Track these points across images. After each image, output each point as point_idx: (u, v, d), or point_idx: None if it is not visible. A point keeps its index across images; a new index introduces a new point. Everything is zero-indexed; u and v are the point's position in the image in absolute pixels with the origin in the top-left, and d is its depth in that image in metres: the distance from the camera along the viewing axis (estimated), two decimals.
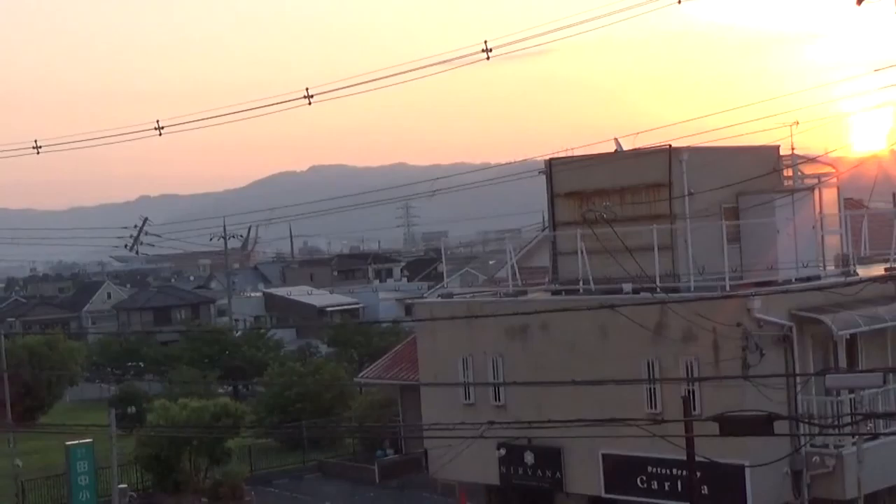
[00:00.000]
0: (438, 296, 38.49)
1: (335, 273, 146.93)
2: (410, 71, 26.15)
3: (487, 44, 23.05)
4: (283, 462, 55.35)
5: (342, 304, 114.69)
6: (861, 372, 27.32)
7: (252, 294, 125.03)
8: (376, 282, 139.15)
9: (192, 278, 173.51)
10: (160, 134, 26.90)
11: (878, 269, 32.57)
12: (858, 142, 27.32)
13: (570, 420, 23.26)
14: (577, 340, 31.21)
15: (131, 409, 65.44)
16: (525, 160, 38.43)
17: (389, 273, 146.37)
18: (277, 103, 26.22)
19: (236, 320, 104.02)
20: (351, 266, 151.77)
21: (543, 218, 38.41)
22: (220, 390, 73.16)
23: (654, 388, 29.93)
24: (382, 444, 52.61)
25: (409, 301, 50.41)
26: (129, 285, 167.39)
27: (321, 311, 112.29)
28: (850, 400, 28.62)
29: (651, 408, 29.85)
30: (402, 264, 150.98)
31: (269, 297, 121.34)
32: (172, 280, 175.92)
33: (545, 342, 32.10)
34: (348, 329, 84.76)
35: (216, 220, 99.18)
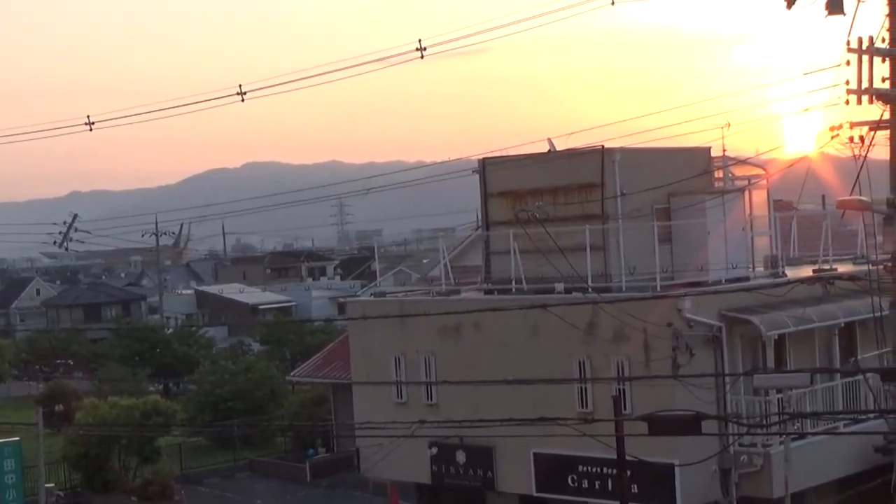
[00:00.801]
0: (371, 294, 38.45)
1: (268, 271, 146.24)
2: (345, 69, 26.12)
3: (421, 42, 23.04)
4: (213, 461, 55.05)
5: (275, 302, 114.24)
6: (789, 372, 27.64)
7: (184, 291, 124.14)
8: (309, 280, 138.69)
9: (123, 275, 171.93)
10: (91, 129, 26.63)
11: (806, 271, 32.96)
12: (789, 144, 27.65)
13: (501, 419, 23.33)
14: (509, 340, 31.30)
15: (59, 408, 64.74)
16: (460, 159, 38.45)
17: (323, 271, 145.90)
18: (210, 100, 26.07)
19: (167, 318, 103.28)
20: (284, 264, 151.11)
21: (477, 217, 38.42)
22: (151, 388, 72.60)
23: (586, 388, 30.07)
24: (314, 442, 52.45)
25: (342, 299, 50.38)
26: (58, 282, 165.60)
27: (253, 308, 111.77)
28: (778, 400, 28.93)
29: (582, 407, 29.99)
30: (336, 262, 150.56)
31: (200, 295, 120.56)
32: (103, 277, 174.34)
33: (478, 341, 32.16)
34: (280, 327, 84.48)
35: (148, 216, 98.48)
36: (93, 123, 26.54)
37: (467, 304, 32.52)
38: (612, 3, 20.95)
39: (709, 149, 33.24)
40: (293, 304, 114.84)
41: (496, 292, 32.83)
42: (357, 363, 35.88)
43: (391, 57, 25.13)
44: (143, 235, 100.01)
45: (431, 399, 33.34)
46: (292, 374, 54.45)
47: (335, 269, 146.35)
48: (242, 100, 24.69)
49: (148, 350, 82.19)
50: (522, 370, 30.03)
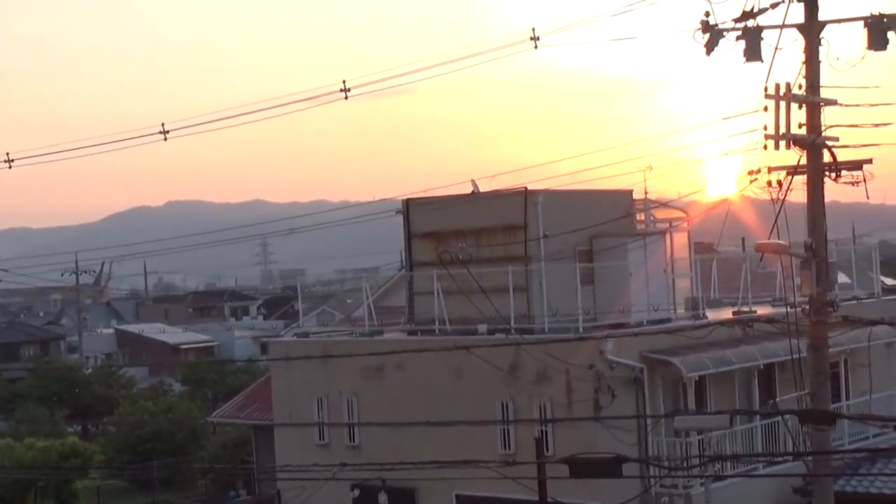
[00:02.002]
0: (294, 335, 38.25)
1: (190, 310, 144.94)
2: (269, 108, 26.00)
3: (346, 83, 23.04)
4: (133, 503, 54.22)
5: (196, 342, 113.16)
6: (709, 414, 27.81)
7: (104, 331, 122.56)
8: (232, 319, 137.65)
9: (42, 314, 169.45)
10: (10, 166, 26.27)
11: (727, 313, 33.29)
12: (710, 187, 27.96)
13: (424, 461, 23.22)
14: (432, 381, 31.26)
15: None
16: (384, 199, 38.43)
17: (246, 311, 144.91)
18: (133, 138, 25.84)
19: (87, 357, 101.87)
20: (207, 303, 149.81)
21: (401, 258, 38.45)
22: (69, 429, 71.46)
23: (508, 429, 30.09)
24: (235, 484, 51.83)
25: (265, 339, 50.00)
26: None
27: (175, 348, 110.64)
28: (699, 441, 29.12)
29: (505, 448, 29.99)
30: (259, 302, 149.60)
31: (121, 334, 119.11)
32: (21, 315, 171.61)
33: (401, 382, 32.08)
34: (202, 367, 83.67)
35: (69, 254, 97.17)
36: (12, 160, 26.19)
37: (390, 345, 32.44)
38: (536, 47, 21.11)
39: (631, 191, 33.57)
40: (215, 343, 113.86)
41: (419, 333, 32.80)
42: (279, 404, 35.64)
43: (316, 97, 25.09)
44: (62, 274, 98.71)
45: (354, 440, 33.17)
46: (213, 414, 53.88)
47: (258, 308, 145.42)
48: (165, 138, 24.50)
49: (66, 390, 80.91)
50: (445, 411, 29.97)
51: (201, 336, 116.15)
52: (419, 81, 24.12)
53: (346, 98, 23.23)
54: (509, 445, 30.06)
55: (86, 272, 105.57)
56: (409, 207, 33.87)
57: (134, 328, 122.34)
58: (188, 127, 25.37)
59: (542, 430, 28.72)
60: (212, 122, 25.74)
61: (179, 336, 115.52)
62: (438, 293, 31.57)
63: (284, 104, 25.69)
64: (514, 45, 21.63)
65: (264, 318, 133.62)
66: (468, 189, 33.34)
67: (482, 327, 30.54)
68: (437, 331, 31.81)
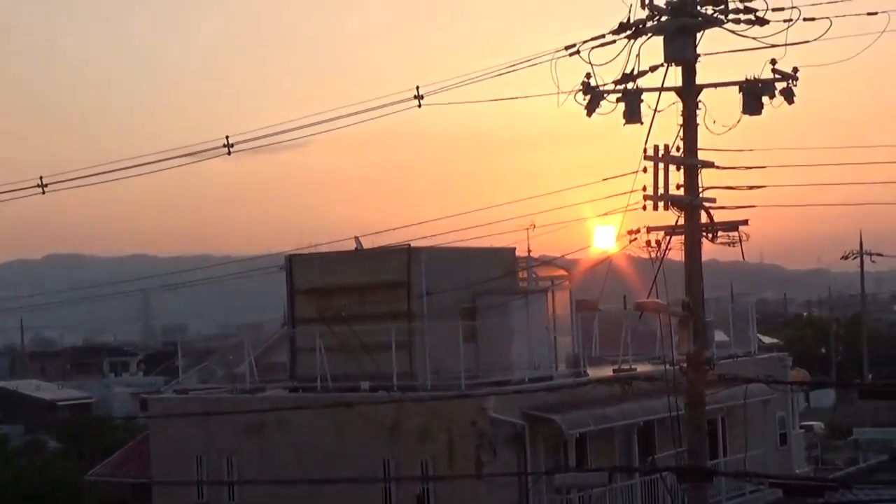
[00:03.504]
0: (174, 391, 37.72)
1: (68, 366, 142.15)
2: (151, 163, 25.71)
3: (229, 139, 22.90)
4: None
5: (73, 399, 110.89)
6: (589, 470, 28.00)
7: None
8: (111, 375, 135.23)
9: None
10: None
11: (607, 370, 33.59)
12: (593, 245, 28.29)
13: None
14: (314, 438, 31.02)
15: None
16: (268, 254, 38.21)
17: (126, 367, 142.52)
18: (10, 191, 25.36)
19: None
20: (85, 359, 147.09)
21: (284, 314, 38.18)
22: None
23: (390, 487, 29.94)
24: None
25: (144, 396, 49.17)
26: None
27: (51, 405, 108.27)
28: (579, 498, 29.25)
29: None
30: (139, 358, 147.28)
31: None
32: None
33: (282, 440, 31.77)
34: (79, 424, 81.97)
35: None
36: None
37: (271, 402, 32.15)
38: (419, 106, 21.20)
39: (514, 249, 33.80)
40: (93, 400, 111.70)
41: (301, 390, 32.57)
42: (158, 462, 35.04)
43: (199, 152, 24.90)
44: None
45: (233, 499, 32.71)
46: (90, 473, 52.81)
47: (138, 364, 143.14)
48: (43, 192, 24.09)
49: None
50: (327, 469, 29.75)
51: (78, 392, 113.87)
52: (305, 137, 24.03)
53: (230, 154, 23.09)
54: (391, 503, 29.88)
55: None
56: (293, 263, 33.72)
57: (8, 385, 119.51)
58: (68, 181, 24.98)
59: (424, 488, 28.63)
60: (92, 175, 25.37)
61: (56, 392, 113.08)
62: (321, 350, 31.41)
63: (168, 158, 25.44)
64: (399, 104, 21.69)
65: (144, 375, 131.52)
66: (352, 245, 33.32)
67: (365, 384, 30.44)
68: (319, 388, 31.61)
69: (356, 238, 33.18)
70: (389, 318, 31.09)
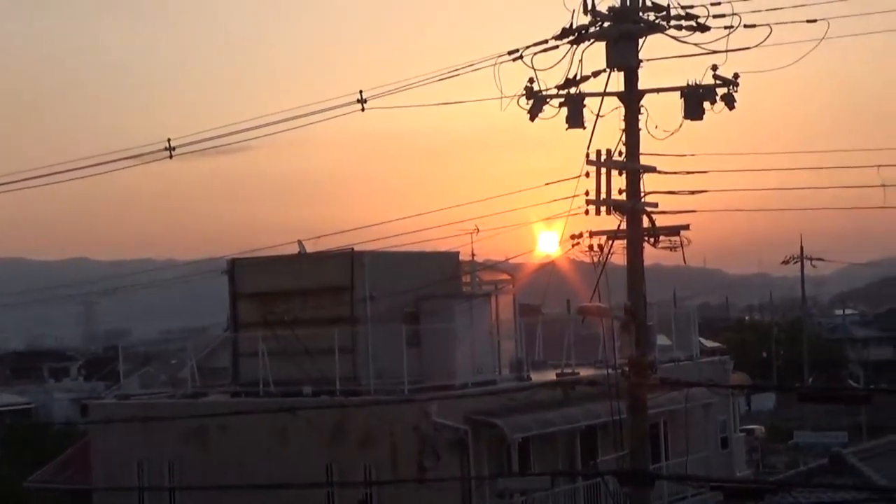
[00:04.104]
0: (115, 396, 37.42)
1: (8, 372, 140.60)
2: (93, 165, 25.48)
3: (171, 142, 22.74)
4: None
5: (12, 405, 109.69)
6: (531, 475, 28.05)
7: None
8: (52, 381, 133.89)
9: None
10: None
11: (550, 374, 33.66)
12: (536, 249, 28.35)
13: None
14: (256, 443, 30.85)
15: None
16: (211, 258, 38.01)
17: (66, 372, 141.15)
18: None
19: None
20: (25, 364, 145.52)
21: (228, 318, 37.98)
22: None
23: (333, 492, 29.84)
24: None
25: (85, 401, 48.72)
26: None
27: None
28: (522, 502, 29.27)
29: None
30: (80, 363, 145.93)
31: None
32: None
33: (224, 445, 31.58)
34: (18, 430, 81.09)
35: None
36: None
37: (213, 407, 31.97)
38: (363, 109, 21.15)
39: (457, 253, 33.79)
40: (32, 406, 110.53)
41: (244, 395, 32.39)
42: (98, 468, 34.75)
43: (141, 155, 24.70)
44: None
45: None
46: (30, 479, 52.23)
47: (79, 369, 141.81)
48: None
49: None
50: (270, 474, 29.62)
51: (18, 398, 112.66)
52: (248, 141, 23.92)
53: (171, 157, 22.94)
54: None
55: None
56: (235, 267, 33.55)
57: None
58: (7, 184, 24.73)
59: (366, 493, 28.55)
60: (33, 178, 25.13)
61: None
62: (263, 354, 31.26)
63: (109, 161, 25.24)
64: (342, 107, 21.62)
65: (85, 380, 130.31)
66: (295, 249, 33.18)
67: (307, 389, 30.32)
68: (261, 392, 31.46)
69: (299, 242, 33.06)
70: (332, 322, 30.99)
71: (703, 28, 18.51)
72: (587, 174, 19.03)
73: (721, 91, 18.84)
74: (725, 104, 18.94)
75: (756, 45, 18.28)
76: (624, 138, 19.11)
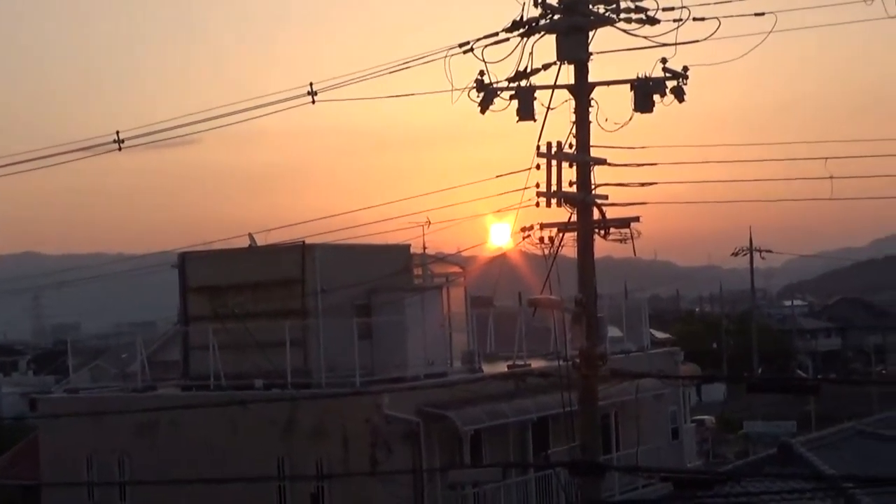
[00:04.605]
0: (64, 390, 37.15)
1: None
2: (41, 158, 25.26)
3: (119, 134, 22.57)
4: None
5: None
6: (483, 466, 28.10)
7: None
8: (0, 375, 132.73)
9: None
10: None
11: (501, 366, 33.71)
12: (488, 242, 28.40)
13: None
14: (207, 437, 30.72)
15: None
16: (162, 252, 37.82)
17: (15, 366, 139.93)
18: None
19: None
20: None
21: (178, 311, 37.79)
22: None
23: (284, 486, 29.76)
24: None
25: (34, 396, 48.31)
26: None
27: None
28: (474, 494, 29.33)
29: None
30: (29, 357, 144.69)
31: None
32: None
33: (175, 439, 31.42)
34: None
35: None
36: None
37: (163, 401, 31.78)
38: (313, 102, 21.07)
39: (409, 246, 33.77)
40: None
41: (194, 388, 32.24)
42: (47, 463, 34.46)
43: (90, 147, 24.51)
44: None
45: (125, 500, 32.28)
46: None
47: (28, 363, 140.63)
48: None
49: None
50: (221, 468, 29.48)
51: None
52: (198, 133, 23.76)
53: (120, 149, 22.77)
54: (285, 502, 29.71)
55: None
56: (185, 261, 33.37)
57: None
58: None
59: (318, 487, 28.51)
60: None
61: None
62: (214, 348, 31.13)
63: (58, 154, 25.03)
64: (292, 99, 21.54)
65: (34, 374, 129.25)
66: (246, 242, 33.07)
67: (258, 382, 30.22)
68: (212, 386, 31.33)
69: (250, 235, 32.98)
70: (283, 315, 30.90)
71: (653, 21, 18.56)
72: (538, 166, 19.05)
73: (671, 84, 18.90)
74: (675, 97, 19.01)
75: (705, 38, 18.38)
76: (574, 131, 19.14)
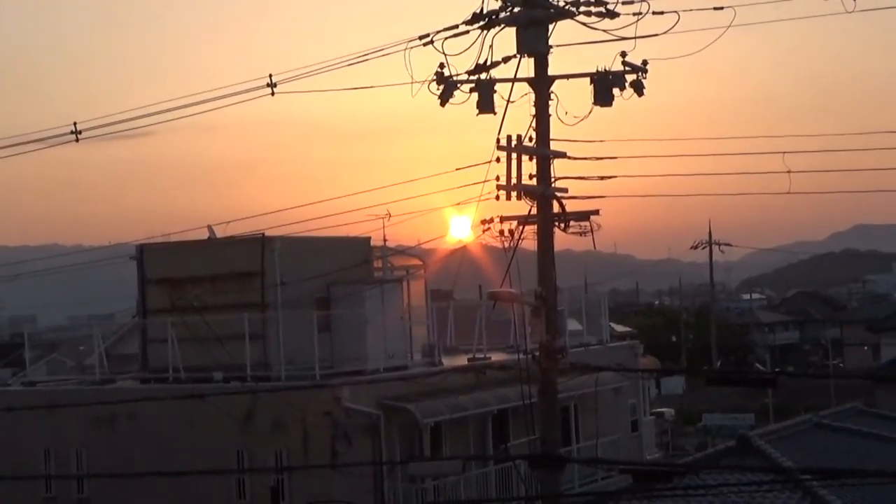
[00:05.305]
0: (21, 383, 36.87)
1: None
2: None
3: (77, 125, 22.42)
4: None
5: None
6: (443, 459, 28.11)
7: None
8: None
9: None
10: None
11: (462, 359, 33.75)
12: (448, 235, 28.40)
13: None
14: (165, 430, 30.58)
15: None
16: (120, 244, 37.57)
17: None
18: None
19: None
20: None
21: (137, 304, 37.57)
22: None
23: (244, 479, 29.67)
24: None
25: None
26: None
27: None
28: (434, 487, 29.34)
29: (240, 498, 29.59)
30: None
31: None
32: None
33: (133, 432, 31.26)
34: None
35: None
36: None
37: (121, 394, 31.62)
38: (273, 94, 21.01)
39: (369, 239, 33.71)
40: None
41: (153, 381, 32.08)
42: (3, 456, 34.16)
43: (47, 139, 24.35)
44: None
45: (83, 493, 32.10)
46: None
47: None
48: None
49: None
50: (180, 461, 29.34)
51: None
52: (156, 125, 23.67)
53: (77, 140, 22.62)
54: (245, 495, 29.64)
55: None
56: (144, 253, 33.19)
57: None
58: None
59: (278, 479, 28.43)
60: None
61: None
62: (173, 340, 30.98)
63: (15, 145, 24.86)
64: (252, 91, 21.47)
65: None
66: (205, 234, 32.91)
67: (218, 375, 30.11)
68: (171, 379, 31.18)
69: (209, 227, 32.80)
70: (243, 307, 30.80)
71: (613, 14, 18.61)
72: (498, 159, 19.07)
73: (630, 77, 18.96)
74: (635, 91, 19.07)
75: (664, 32, 18.44)
76: (534, 124, 19.16)
